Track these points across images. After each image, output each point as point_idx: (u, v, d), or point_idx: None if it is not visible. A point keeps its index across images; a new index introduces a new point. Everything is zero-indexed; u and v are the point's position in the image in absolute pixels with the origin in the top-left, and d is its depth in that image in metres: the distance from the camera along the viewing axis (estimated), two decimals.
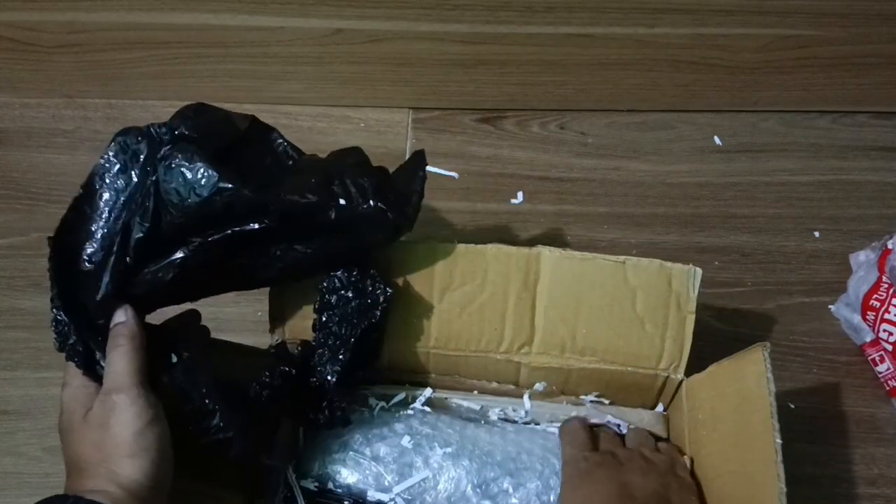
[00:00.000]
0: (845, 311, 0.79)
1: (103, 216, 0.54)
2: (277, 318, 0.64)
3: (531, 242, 0.65)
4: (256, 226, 0.53)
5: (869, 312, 0.75)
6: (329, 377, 0.58)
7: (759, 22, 0.84)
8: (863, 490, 0.72)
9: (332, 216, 0.55)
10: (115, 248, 0.52)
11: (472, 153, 0.91)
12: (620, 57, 0.88)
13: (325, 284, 0.59)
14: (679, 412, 0.64)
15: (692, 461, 0.62)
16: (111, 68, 0.89)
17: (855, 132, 0.93)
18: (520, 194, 0.87)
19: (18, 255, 0.81)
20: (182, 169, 0.52)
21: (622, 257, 0.62)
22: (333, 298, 0.59)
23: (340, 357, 0.58)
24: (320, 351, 0.59)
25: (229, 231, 0.53)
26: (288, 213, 0.54)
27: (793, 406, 0.75)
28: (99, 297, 0.52)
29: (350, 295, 0.59)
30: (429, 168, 0.87)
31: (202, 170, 0.52)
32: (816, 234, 0.86)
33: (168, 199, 0.52)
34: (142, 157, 0.54)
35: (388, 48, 0.86)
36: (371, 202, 0.56)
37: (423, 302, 0.63)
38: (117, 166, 0.54)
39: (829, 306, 0.81)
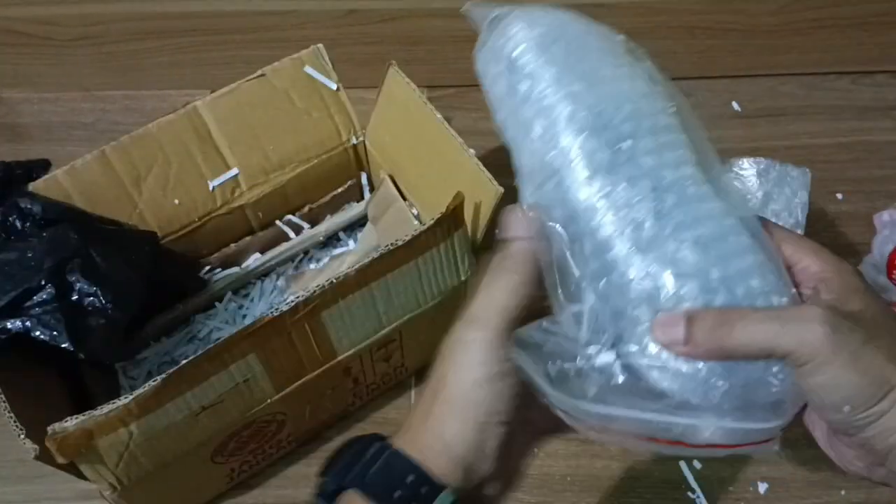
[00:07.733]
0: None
1: None
2: None
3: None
4: None
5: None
6: None
7: None
8: None
9: None
10: None
11: (487, 129, 0.89)
12: (634, 25, 0.87)
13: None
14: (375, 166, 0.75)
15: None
16: (128, 59, 0.89)
17: (875, 92, 0.92)
18: None
19: None
20: None
21: (259, 70, 0.70)
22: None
23: None
24: None
25: None
26: None
27: None
28: None
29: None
30: None
31: None
32: (839, 196, 0.85)
33: None
34: None
35: (401, 27, 0.86)
36: None
37: (123, 204, 0.65)
38: None
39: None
